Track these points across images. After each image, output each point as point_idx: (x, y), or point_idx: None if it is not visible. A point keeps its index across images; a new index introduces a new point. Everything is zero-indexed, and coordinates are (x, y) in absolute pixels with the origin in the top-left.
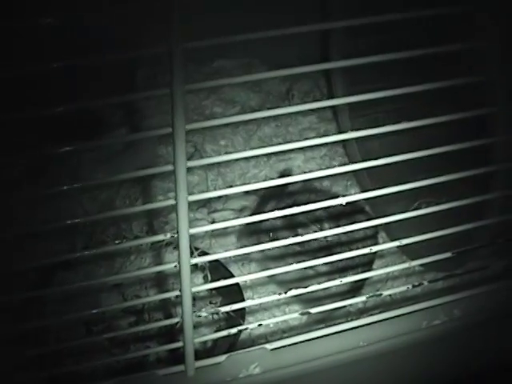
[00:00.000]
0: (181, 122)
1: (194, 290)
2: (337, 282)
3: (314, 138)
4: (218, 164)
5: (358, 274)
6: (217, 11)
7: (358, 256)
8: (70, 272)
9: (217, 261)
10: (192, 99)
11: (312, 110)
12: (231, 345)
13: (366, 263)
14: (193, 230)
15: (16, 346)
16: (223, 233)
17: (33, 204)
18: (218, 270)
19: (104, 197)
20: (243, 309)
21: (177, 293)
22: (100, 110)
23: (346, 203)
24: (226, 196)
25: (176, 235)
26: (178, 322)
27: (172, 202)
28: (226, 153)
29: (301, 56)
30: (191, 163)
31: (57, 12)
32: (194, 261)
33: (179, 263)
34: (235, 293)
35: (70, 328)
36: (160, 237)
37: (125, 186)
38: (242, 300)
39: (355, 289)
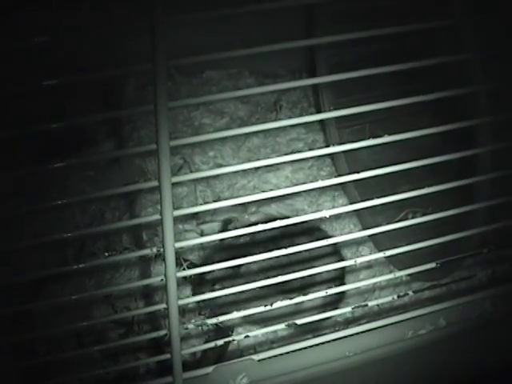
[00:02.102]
0: (165, 139)
1: (181, 302)
2: (322, 293)
3: (302, 148)
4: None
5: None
6: (204, 25)
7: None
8: (60, 284)
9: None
10: (181, 111)
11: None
12: (220, 356)
13: (336, 278)
14: (179, 244)
15: (6, 358)
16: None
17: (23, 217)
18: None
19: (94, 209)
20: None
21: (163, 306)
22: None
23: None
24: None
25: (162, 249)
26: (166, 334)
27: (157, 217)
28: (215, 164)
29: (289, 66)
30: (176, 179)
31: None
32: (181, 274)
33: (165, 277)
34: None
35: (61, 340)
36: (146, 251)
37: (114, 199)
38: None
39: (333, 303)
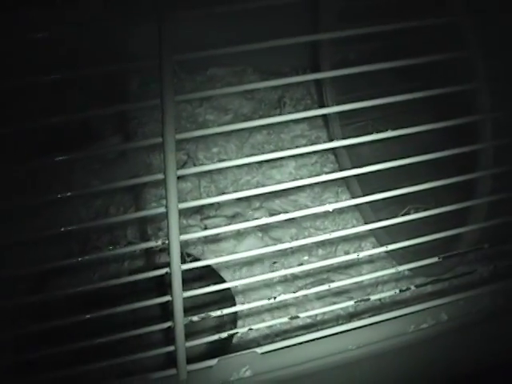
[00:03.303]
0: (171, 132)
1: (186, 295)
2: (325, 287)
3: (305, 145)
4: (211, 171)
5: None
6: (208, 20)
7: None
8: (64, 279)
9: (209, 266)
10: (185, 107)
11: (303, 118)
12: (224, 349)
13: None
14: (184, 237)
15: (8, 351)
16: (215, 239)
17: (28, 211)
18: (210, 275)
19: (98, 204)
20: (235, 313)
21: (168, 298)
22: (93, 118)
23: None
24: (218, 203)
25: (167, 242)
26: (170, 327)
27: (163, 209)
28: (219, 160)
29: (293, 64)
30: (181, 172)
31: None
32: (185, 267)
33: (170, 269)
34: (227, 298)
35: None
36: (151, 243)
37: (119, 193)
38: (234, 305)
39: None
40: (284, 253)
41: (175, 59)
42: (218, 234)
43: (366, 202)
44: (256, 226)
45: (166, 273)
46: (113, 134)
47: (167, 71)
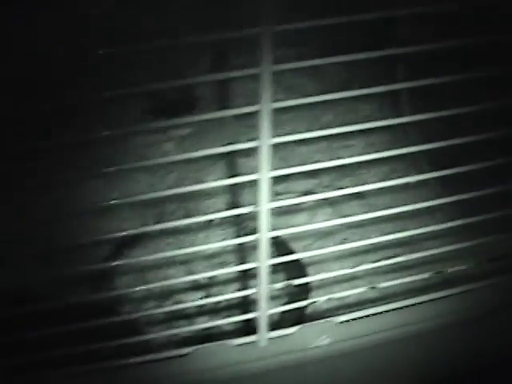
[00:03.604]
0: (268, 101)
1: (271, 262)
2: (402, 258)
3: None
4: (281, 150)
5: None
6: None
7: None
8: (139, 249)
9: (279, 238)
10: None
11: (371, 99)
12: (298, 319)
13: None
14: (272, 204)
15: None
16: (289, 211)
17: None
18: (282, 247)
19: (172, 179)
20: (308, 284)
21: (254, 265)
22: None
23: None
24: (289, 179)
25: (257, 208)
26: (250, 295)
27: (255, 176)
28: None
29: (360, 44)
30: (275, 140)
31: None
32: (273, 234)
33: (258, 236)
34: (299, 269)
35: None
36: (242, 210)
37: (191, 170)
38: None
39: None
40: (353, 229)
41: (276, 29)
42: (290, 207)
43: (434, 178)
44: (326, 202)
45: (254, 239)
46: (201, 107)
47: (267, 40)
